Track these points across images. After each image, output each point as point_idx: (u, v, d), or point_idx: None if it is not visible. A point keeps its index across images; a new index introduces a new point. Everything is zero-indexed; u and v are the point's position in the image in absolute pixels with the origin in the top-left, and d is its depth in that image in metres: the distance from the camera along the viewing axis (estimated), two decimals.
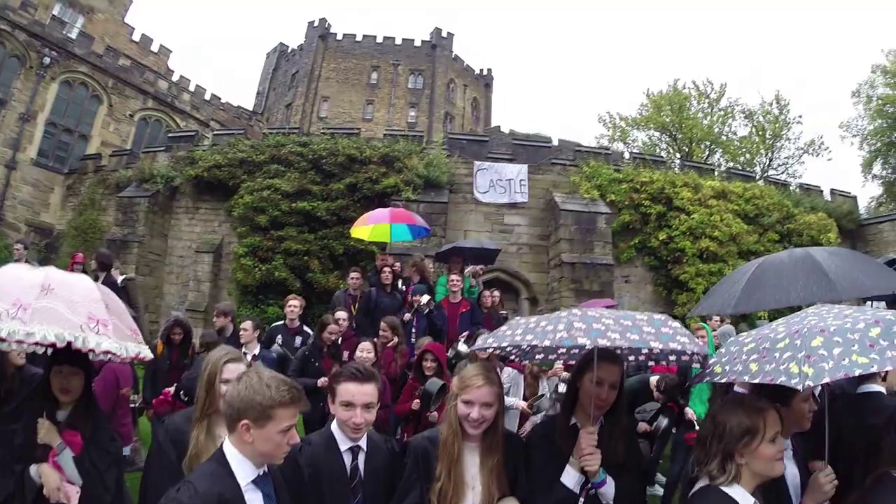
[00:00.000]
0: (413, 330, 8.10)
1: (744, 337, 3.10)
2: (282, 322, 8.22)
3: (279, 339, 7.75)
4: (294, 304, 8.03)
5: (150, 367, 7.17)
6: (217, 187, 17.93)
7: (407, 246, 13.14)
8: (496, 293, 9.48)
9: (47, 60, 23.66)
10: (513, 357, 3.59)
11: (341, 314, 7.59)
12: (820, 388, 2.96)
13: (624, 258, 16.83)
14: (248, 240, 16.30)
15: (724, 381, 2.92)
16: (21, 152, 23.14)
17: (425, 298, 8.22)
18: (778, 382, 2.41)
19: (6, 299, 2.73)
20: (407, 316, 8.15)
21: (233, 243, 17.35)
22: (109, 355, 2.87)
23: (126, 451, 5.64)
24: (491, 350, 3.39)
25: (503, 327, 3.32)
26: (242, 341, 6.74)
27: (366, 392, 2.70)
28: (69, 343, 2.72)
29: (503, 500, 2.78)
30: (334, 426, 2.86)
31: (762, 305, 4.85)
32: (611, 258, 16.01)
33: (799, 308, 3.27)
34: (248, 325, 6.89)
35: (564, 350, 3.29)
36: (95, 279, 9.22)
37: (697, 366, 3.21)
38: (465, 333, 7.95)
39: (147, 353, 3.18)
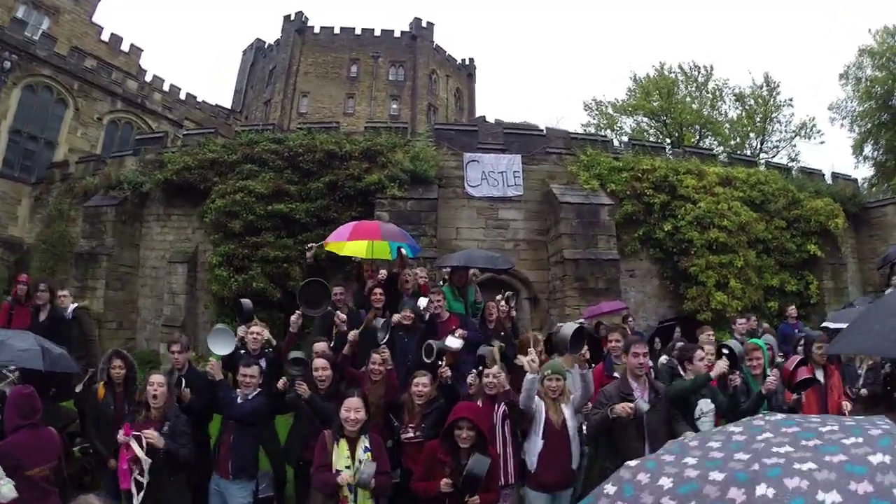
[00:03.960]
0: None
1: None
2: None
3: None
4: (255, 332, 6.90)
5: (91, 415, 6.15)
6: (188, 191, 16.65)
7: None
8: (507, 302, 8.38)
9: (7, 65, 22.33)
10: None
11: (320, 346, 6.46)
12: None
13: (628, 251, 15.80)
14: (221, 248, 15.02)
15: None
16: None
17: (423, 302, 7.16)
18: None
19: None
20: (396, 317, 7.06)
21: (208, 251, 16.10)
22: None
23: None
24: None
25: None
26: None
27: None
28: None
29: None
30: None
31: None
32: (616, 253, 14.97)
33: None
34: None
35: None
36: (35, 312, 8.24)
37: None
38: (460, 331, 6.87)
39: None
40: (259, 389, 5.88)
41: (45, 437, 4.86)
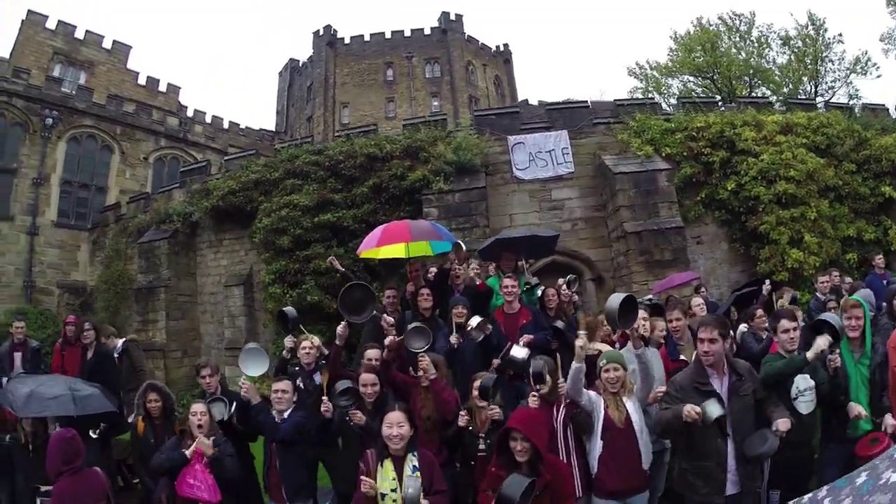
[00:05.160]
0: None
1: None
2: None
3: (299, 382, 6.26)
4: (308, 346, 6.50)
5: (136, 452, 6.05)
6: (236, 214, 16.66)
7: None
8: (569, 287, 7.77)
9: (50, 121, 23.46)
10: None
11: (373, 353, 5.96)
12: None
13: (692, 216, 14.82)
14: (273, 265, 14.87)
15: None
16: (40, 216, 23.03)
17: (475, 321, 6.29)
18: None
19: None
20: (454, 338, 6.34)
21: (262, 270, 15.99)
22: None
23: None
24: None
25: None
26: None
27: None
28: None
29: None
30: None
31: None
32: (679, 219, 14.06)
33: None
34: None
35: None
36: (85, 351, 8.21)
37: None
38: (526, 337, 6.27)
39: None
40: (295, 404, 5.54)
41: (89, 479, 4.72)
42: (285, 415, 5.40)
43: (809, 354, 4.80)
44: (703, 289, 10.33)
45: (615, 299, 4.91)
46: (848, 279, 10.48)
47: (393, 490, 4.12)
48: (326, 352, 6.65)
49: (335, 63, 41.91)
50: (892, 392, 4.99)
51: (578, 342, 4.74)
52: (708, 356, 4.54)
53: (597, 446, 4.67)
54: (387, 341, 5.67)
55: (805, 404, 4.90)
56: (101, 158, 25.28)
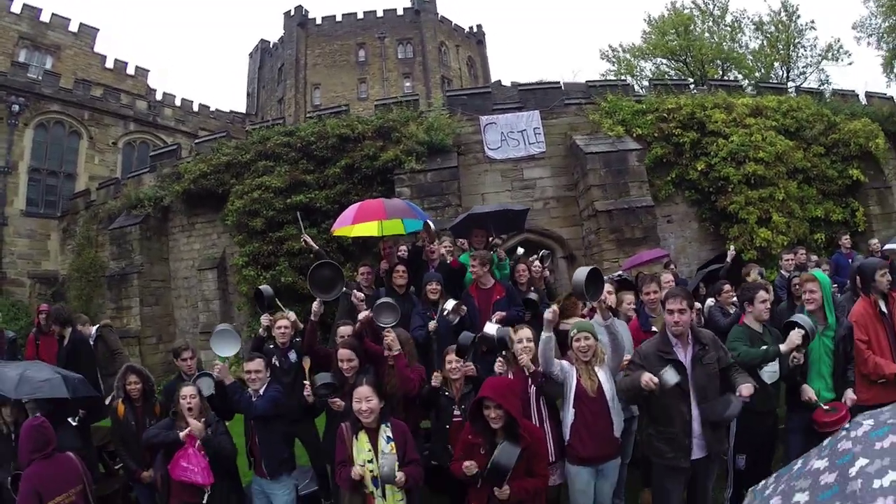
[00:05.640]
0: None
1: None
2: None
3: (274, 360, 6.33)
4: (284, 325, 6.55)
5: (117, 436, 5.97)
6: (208, 198, 16.50)
7: None
8: (541, 262, 7.89)
9: (16, 108, 23.03)
10: None
11: (345, 330, 6.00)
12: None
13: (662, 196, 15.02)
14: (246, 248, 14.84)
15: None
16: (9, 206, 22.62)
17: (451, 304, 6.40)
18: None
19: None
20: (432, 325, 6.47)
21: (235, 253, 15.93)
22: None
23: None
24: None
25: None
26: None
27: None
28: None
29: None
30: None
31: None
32: (650, 199, 14.19)
33: None
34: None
35: None
36: (61, 339, 8.02)
37: None
38: (498, 314, 6.33)
39: None
40: (269, 380, 5.58)
41: (62, 463, 4.64)
42: (261, 391, 5.42)
43: (783, 348, 4.99)
44: (672, 265, 10.47)
45: (581, 273, 4.95)
46: (814, 257, 10.69)
47: (369, 461, 4.19)
48: (301, 326, 6.68)
49: (306, 44, 41.61)
50: (857, 366, 5.15)
51: (547, 314, 4.80)
52: (678, 326, 4.63)
53: (569, 414, 4.74)
54: (360, 316, 5.70)
55: (769, 374, 5.14)
56: (69, 144, 24.83)
